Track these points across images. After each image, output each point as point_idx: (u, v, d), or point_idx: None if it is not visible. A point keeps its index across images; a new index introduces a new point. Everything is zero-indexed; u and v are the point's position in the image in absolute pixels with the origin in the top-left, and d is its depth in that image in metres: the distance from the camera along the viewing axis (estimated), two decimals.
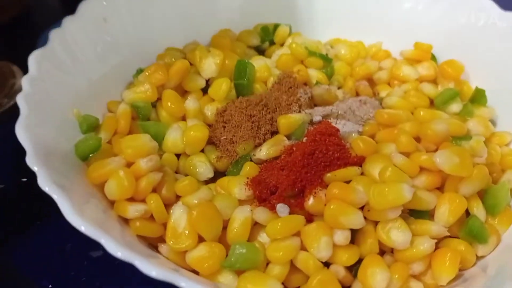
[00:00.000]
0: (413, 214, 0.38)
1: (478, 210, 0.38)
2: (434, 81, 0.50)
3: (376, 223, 0.36)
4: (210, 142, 0.44)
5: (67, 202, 0.30)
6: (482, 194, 0.40)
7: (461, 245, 0.37)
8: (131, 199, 0.37)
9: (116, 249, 0.28)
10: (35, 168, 0.32)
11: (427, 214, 0.38)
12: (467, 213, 0.39)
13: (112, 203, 0.37)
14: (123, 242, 0.30)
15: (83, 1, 0.47)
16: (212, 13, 0.56)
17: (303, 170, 0.38)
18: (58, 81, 0.42)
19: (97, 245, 0.29)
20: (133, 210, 0.36)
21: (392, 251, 0.37)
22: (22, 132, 0.35)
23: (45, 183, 0.31)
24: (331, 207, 0.35)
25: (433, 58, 0.52)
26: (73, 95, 0.43)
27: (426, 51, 0.51)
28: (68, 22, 0.45)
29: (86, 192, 0.36)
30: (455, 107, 0.47)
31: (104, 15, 0.48)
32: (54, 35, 0.43)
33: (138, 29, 0.51)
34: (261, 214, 0.36)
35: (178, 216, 0.35)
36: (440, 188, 0.39)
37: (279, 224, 0.35)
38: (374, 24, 0.56)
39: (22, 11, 0.64)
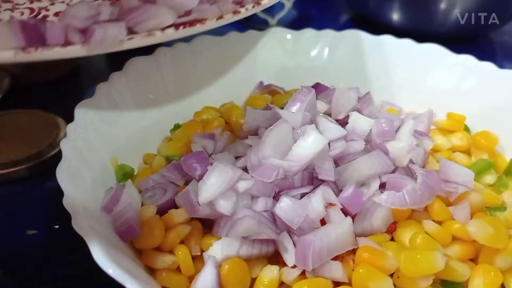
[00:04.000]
0: (445, 285, 0.36)
1: None
2: (467, 152, 0.50)
3: None
4: None
5: (98, 245, 0.31)
6: None
7: None
8: (158, 249, 0.37)
9: None
10: (71, 211, 0.33)
11: (461, 286, 0.36)
12: None
13: (139, 252, 0.37)
14: None
15: (130, 59, 0.50)
16: (250, 76, 0.59)
17: None
18: (100, 131, 0.44)
19: None
20: (161, 261, 0.36)
21: None
22: (63, 174, 0.36)
23: (79, 226, 0.32)
24: (360, 271, 0.34)
25: (466, 129, 0.52)
26: (113, 145, 0.44)
27: (459, 121, 0.51)
28: (115, 77, 0.48)
29: (117, 239, 0.37)
30: (489, 178, 0.46)
31: (147, 73, 0.51)
32: (101, 88, 0.46)
33: (178, 87, 0.53)
34: (289, 274, 0.36)
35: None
36: (474, 260, 0.38)
37: (305, 286, 0.34)
38: (410, 94, 0.57)
39: (71, 69, 0.69)
